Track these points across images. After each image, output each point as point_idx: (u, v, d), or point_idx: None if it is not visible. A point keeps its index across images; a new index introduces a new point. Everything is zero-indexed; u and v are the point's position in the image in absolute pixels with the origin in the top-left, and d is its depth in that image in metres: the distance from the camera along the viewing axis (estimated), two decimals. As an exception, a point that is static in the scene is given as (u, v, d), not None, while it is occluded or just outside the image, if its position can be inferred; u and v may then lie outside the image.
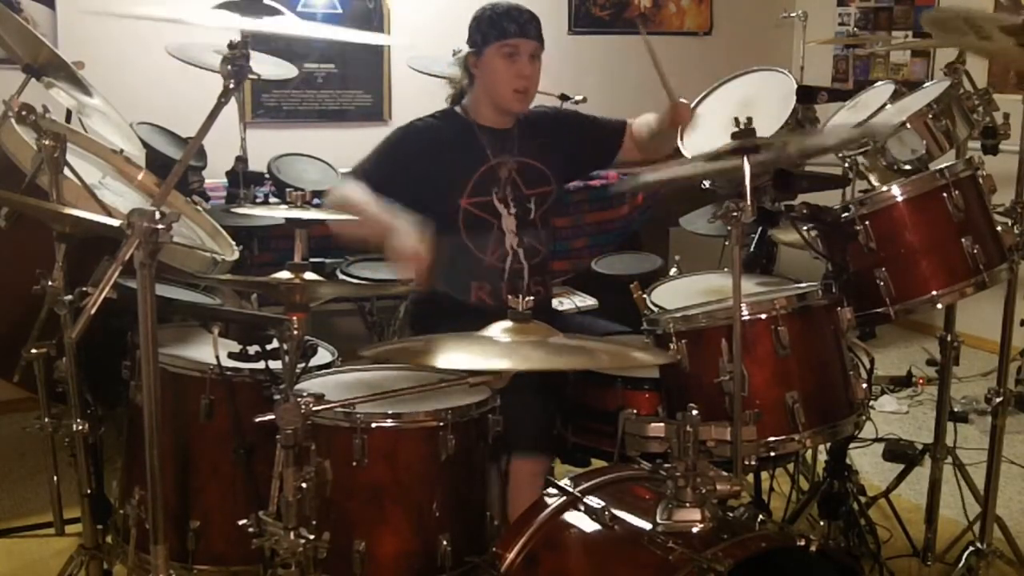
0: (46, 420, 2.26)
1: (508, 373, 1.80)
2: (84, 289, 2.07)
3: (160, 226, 1.49)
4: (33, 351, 2.20)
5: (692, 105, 2.90)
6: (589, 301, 4.01)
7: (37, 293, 2.11)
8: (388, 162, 2.65)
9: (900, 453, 3.66)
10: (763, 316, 2.09)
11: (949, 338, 2.79)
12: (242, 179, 3.76)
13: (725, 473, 1.82)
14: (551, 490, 1.95)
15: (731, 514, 1.84)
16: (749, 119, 2.03)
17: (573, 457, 2.50)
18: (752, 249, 2.99)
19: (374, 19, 4.89)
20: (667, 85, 2.70)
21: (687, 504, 1.78)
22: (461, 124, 2.69)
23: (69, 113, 2.86)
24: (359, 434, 2.00)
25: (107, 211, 2.32)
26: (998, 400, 2.59)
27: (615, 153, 2.88)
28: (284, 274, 2.04)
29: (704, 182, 2.84)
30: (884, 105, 2.71)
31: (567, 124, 2.88)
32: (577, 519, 1.88)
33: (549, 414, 2.45)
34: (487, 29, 2.60)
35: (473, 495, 2.16)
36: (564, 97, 4.03)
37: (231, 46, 1.73)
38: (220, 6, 2.96)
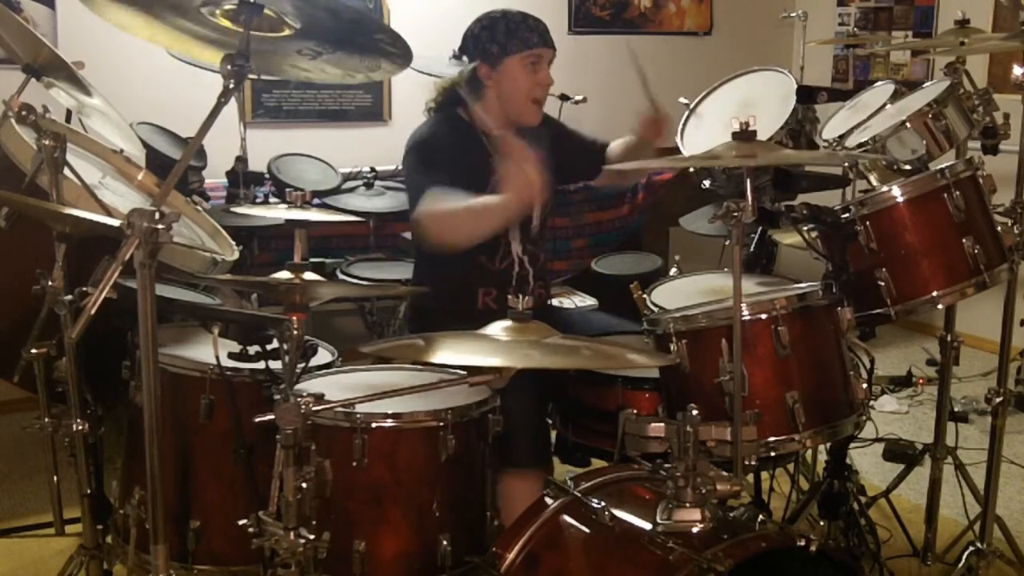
0: (46, 420, 2.25)
1: (508, 373, 1.80)
2: (84, 289, 2.07)
3: (160, 226, 1.49)
4: (33, 351, 2.20)
5: (691, 105, 2.90)
6: (589, 301, 4.01)
7: (37, 293, 2.11)
8: (435, 170, 2.55)
9: (900, 453, 3.67)
10: (763, 316, 2.09)
11: (949, 338, 2.79)
12: (242, 179, 3.76)
13: (725, 473, 1.82)
14: (551, 490, 1.95)
15: (731, 514, 1.84)
16: (749, 119, 2.03)
17: (573, 457, 2.50)
18: (752, 249, 3.00)
19: (374, 19, 4.90)
20: (649, 96, 2.63)
21: (687, 504, 1.78)
22: (466, 130, 2.65)
23: (69, 113, 2.85)
24: (359, 434, 2.00)
25: (107, 211, 2.32)
26: (998, 400, 2.59)
27: (598, 169, 2.86)
28: (284, 274, 2.04)
29: (704, 182, 2.85)
30: (884, 105, 2.71)
31: (557, 133, 2.87)
32: (577, 519, 1.88)
33: (545, 424, 2.46)
34: (505, 40, 2.56)
35: (473, 495, 2.16)
36: (564, 97, 4.02)
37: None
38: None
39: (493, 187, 2.58)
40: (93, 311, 1.49)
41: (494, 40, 2.57)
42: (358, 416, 2.00)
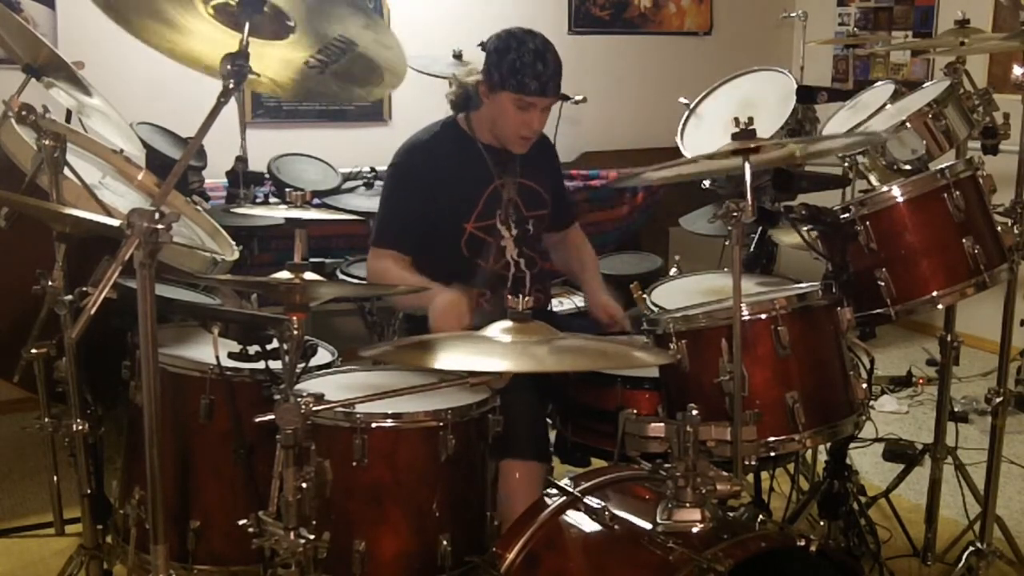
0: (46, 420, 2.25)
1: (507, 374, 1.79)
2: (84, 289, 2.07)
3: (160, 226, 1.49)
4: (33, 351, 2.20)
5: (691, 105, 2.90)
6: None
7: (37, 293, 2.11)
8: (400, 210, 2.63)
9: (900, 453, 3.67)
10: (763, 316, 2.09)
11: (949, 338, 2.79)
12: (242, 179, 3.76)
13: (725, 473, 1.82)
14: (551, 490, 1.95)
15: (731, 514, 1.84)
16: (749, 119, 2.03)
17: (573, 457, 2.50)
18: (752, 249, 3.00)
19: (374, 19, 4.89)
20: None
21: (687, 504, 1.78)
22: (464, 140, 2.65)
23: (69, 113, 2.86)
24: (359, 434, 2.00)
25: (107, 211, 2.32)
26: (998, 400, 2.59)
27: (559, 225, 2.89)
28: (284, 274, 2.04)
29: (704, 182, 2.85)
30: (884, 105, 2.71)
31: (556, 166, 2.91)
32: (577, 519, 1.88)
33: (544, 418, 2.45)
34: (506, 75, 2.48)
35: (473, 495, 2.16)
36: (564, 97, 4.01)
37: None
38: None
39: (487, 200, 2.58)
40: (93, 311, 1.49)
41: (497, 69, 2.51)
42: (358, 416, 2.01)
